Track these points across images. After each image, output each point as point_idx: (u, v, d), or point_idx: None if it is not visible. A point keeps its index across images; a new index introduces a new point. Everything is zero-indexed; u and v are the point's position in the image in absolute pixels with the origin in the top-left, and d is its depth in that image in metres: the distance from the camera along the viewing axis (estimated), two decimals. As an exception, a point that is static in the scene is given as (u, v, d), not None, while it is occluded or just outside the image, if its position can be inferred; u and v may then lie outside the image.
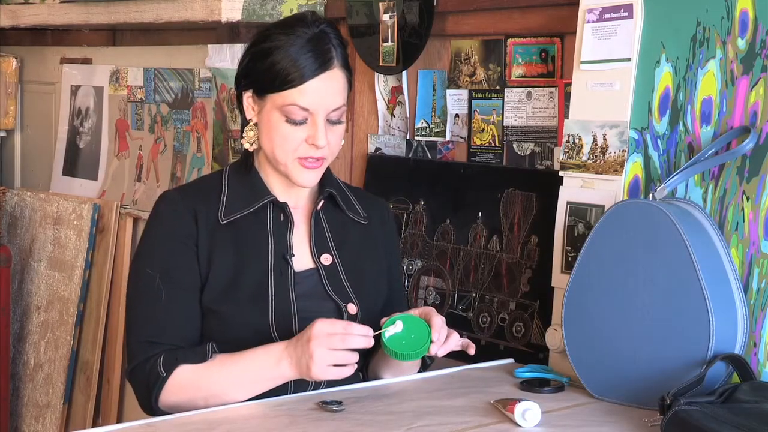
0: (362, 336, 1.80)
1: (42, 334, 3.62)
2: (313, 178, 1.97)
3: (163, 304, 1.91)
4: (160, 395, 1.87)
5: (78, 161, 3.78)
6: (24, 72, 4.07)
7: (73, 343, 3.50)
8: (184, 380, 1.86)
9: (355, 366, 1.83)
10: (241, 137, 2.00)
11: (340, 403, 1.83)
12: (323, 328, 1.79)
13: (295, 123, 1.91)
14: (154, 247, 1.96)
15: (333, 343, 1.78)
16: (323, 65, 1.91)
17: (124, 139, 3.58)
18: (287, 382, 1.90)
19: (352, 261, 2.03)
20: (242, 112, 2.00)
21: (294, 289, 1.94)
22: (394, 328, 1.85)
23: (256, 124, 1.97)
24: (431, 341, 1.83)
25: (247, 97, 1.98)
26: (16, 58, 4.04)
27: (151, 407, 1.89)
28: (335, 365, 1.80)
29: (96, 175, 3.69)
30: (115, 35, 3.64)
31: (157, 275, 1.92)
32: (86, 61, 3.77)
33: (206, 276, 1.93)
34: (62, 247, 3.59)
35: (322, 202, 2.03)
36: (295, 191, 2.02)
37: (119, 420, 3.41)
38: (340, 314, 1.96)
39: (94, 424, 3.44)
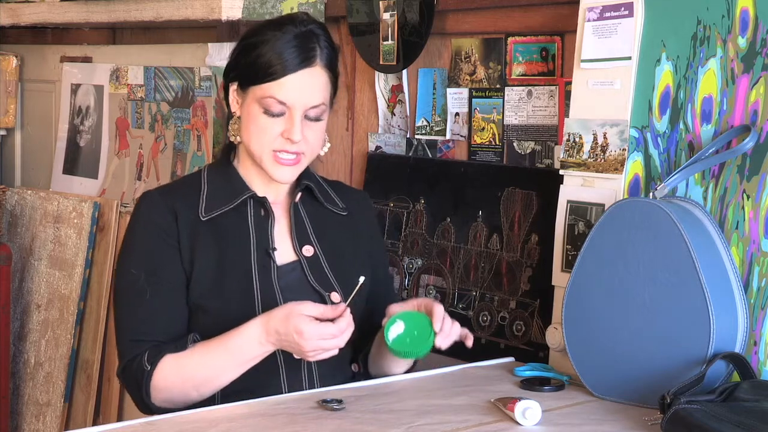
0: (350, 329, 1.83)
1: (42, 332, 3.62)
2: (288, 174, 1.98)
3: (148, 303, 1.93)
4: (150, 390, 1.89)
5: (78, 160, 3.78)
6: (24, 70, 4.07)
7: (73, 342, 3.49)
8: (169, 371, 1.88)
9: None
10: (227, 130, 2.02)
11: (340, 401, 1.83)
12: (312, 330, 1.80)
13: (272, 115, 1.93)
14: (136, 247, 1.98)
15: (325, 344, 1.82)
16: (305, 61, 1.93)
17: (125, 137, 3.58)
18: (280, 382, 1.94)
19: (333, 251, 2.04)
20: (228, 105, 2.02)
21: (278, 283, 1.96)
22: (396, 329, 1.85)
23: (239, 117, 1.99)
24: (435, 334, 1.84)
25: (233, 90, 2.01)
26: (16, 57, 4.03)
27: (145, 404, 1.91)
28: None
29: (96, 174, 3.69)
30: (116, 33, 3.64)
31: (141, 274, 1.94)
32: (86, 60, 3.77)
33: (190, 273, 1.95)
34: (62, 246, 3.59)
35: (299, 194, 2.05)
36: (274, 186, 2.03)
37: (119, 419, 3.41)
38: (324, 303, 1.96)
39: (95, 423, 3.44)
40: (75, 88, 3.79)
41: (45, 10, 3.54)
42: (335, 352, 1.84)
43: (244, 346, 1.86)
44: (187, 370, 1.88)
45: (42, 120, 4.00)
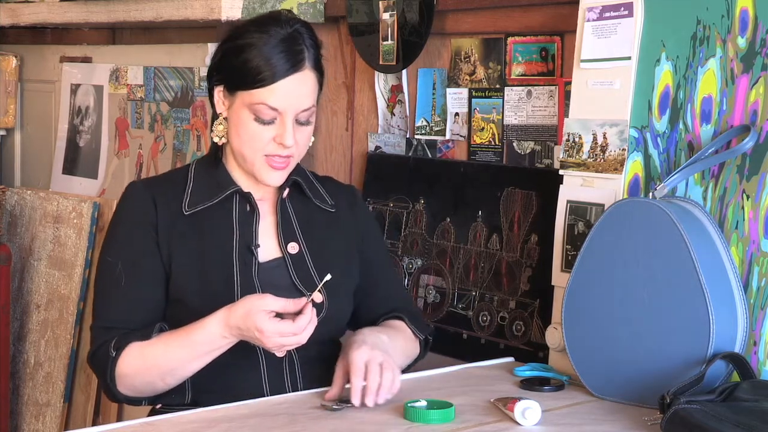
0: (311, 326, 1.82)
1: (42, 332, 3.61)
2: (278, 178, 1.98)
3: (121, 291, 1.94)
4: (115, 376, 1.90)
5: (78, 160, 3.78)
6: (24, 70, 4.07)
7: (73, 342, 3.49)
8: (134, 359, 1.89)
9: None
10: (211, 131, 2.01)
11: (340, 402, 1.83)
12: (272, 328, 1.79)
13: (263, 122, 1.93)
14: (115, 236, 2.00)
15: (285, 341, 1.82)
16: (294, 66, 1.92)
17: (124, 137, 3.58)
18: (263, 383, 1.94)
19: (319, 249, 2.04)
20: (213, 105, 2.01)
21: (258, 280, 1.95)
22: (418, 403, 1.81)
23: (225, 119, 1.98)
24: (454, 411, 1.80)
25: (218, 91, 1.99)
26: (15, 57, 4.03)
27: (111, 391, 1.92)
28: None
29: (96, 174, 3.69)
30: (115, 33, 3.64)
31: (117, 263, 1.95)
32: (86, 60, 3.77)
33: (169, 266, 1.96)
34: (62, 246, 3.59)
35: (287, 190, 2.04)
36: (261, 183, 2.02)
37: (119, 419, 3.41)
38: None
39: (94, 423, 3.43)
40: (75, 88, 3.79)
41: (45, 10, 3.54)
42: (300, 344, 1.84)
43: (206, 339, 1.86)
44: (151, 359, 1.89)
45: (42, 120, 4.00)
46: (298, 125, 1.95)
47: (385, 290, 2.16)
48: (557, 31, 2.33)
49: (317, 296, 1.94)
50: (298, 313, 1.81)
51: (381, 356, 1.86)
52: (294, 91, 1.93)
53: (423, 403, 1.79)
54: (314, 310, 1.83)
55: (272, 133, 1.93)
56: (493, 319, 2.42)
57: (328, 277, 1.86)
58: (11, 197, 3.85)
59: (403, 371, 2.04)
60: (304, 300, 1.82)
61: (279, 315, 1.82)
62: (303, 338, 1.82)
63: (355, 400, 1.81)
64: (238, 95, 1.94)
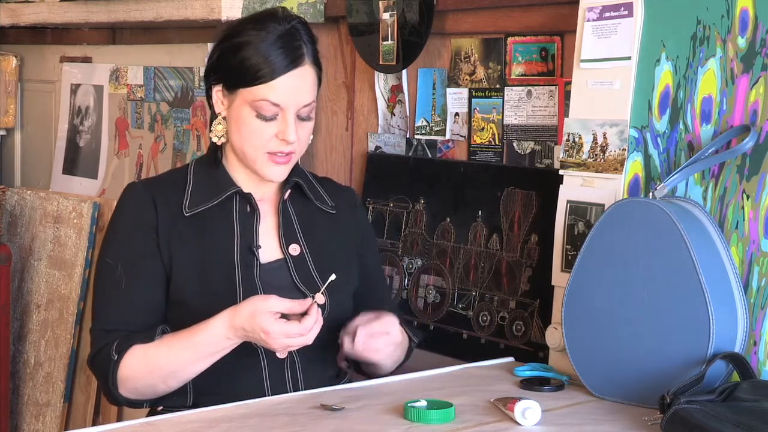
0: (317, 326, 1.83)
1: (42, 332, 3.61)
2: (281, 172, 1.98)
3: (122, 293, 1.94)
4: (117, 379, 1.89)
5: (78, 160, 3.78)
6: (24, 70, 4.07)
7: (73, 342, 3.49)
8: (136, 361, 1.89)
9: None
10: (210, 131, 2.01)
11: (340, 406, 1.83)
12: (278, 330, 1.80)
13: (265, 119, 1.93)
14: (115, 237, 2.00)
15: (291, 342, 1.82)
16: (294, 61, 1.92)
17: (124, 137, 3.58)
18: (263, 380, 1.94)
19: (320, 251, 2.04)
20: (211, 105, 2.01)
21: (260, 281, 1.95)
22: (418, 403, 1.81)
23: (224, 118, 1.98)
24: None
25: (217, 91, 1.99)
26: (15, 57, 4.03)
27: (112, 394, 1.92)
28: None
29: (96, 174, 3.69)
30: (115, 33, 3.64)
31: (117, 264, 1.95)
32: (86, 60, 3.77)
33: (170, 267, 1.95)
34: (62, 246, 3.59)
35: (288, 191, 2.04)
36: (262, 183, 2.02)
37: (119, 419, 3.41)
38: None
39: (94, 423, 3.43)
40: (75, 88, 3.79)
41: (45, 10, 3.54)
42: (305, 345, 1.84)
43: (210, 341, 1.86)
44: (154, 361, 1.88)
45: (42, 120, 4.00)
46: (300, 121, 1.95)
47: (382, 292, 2.18)
48: (557, 31, 2.33)
49: (320, 297, 1.95)
50: (303, 313, 1.81)
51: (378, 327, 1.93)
52: (295, 87, 1.93)
53: (423, 403, 1.79)
54: (319, 310, 1.83)
55: (274, 130, 1.93)
56: (493, 319, 2.42)
57: (333, 277, 1.87)
58: (11, 197, 3.85)
59: (390, 374, 2.08)
60: (309, 301, 1.83)
61: (284, 316, 1.82)
62: (309, 339, 1.82)
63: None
64: (239, 93, 1.94)
